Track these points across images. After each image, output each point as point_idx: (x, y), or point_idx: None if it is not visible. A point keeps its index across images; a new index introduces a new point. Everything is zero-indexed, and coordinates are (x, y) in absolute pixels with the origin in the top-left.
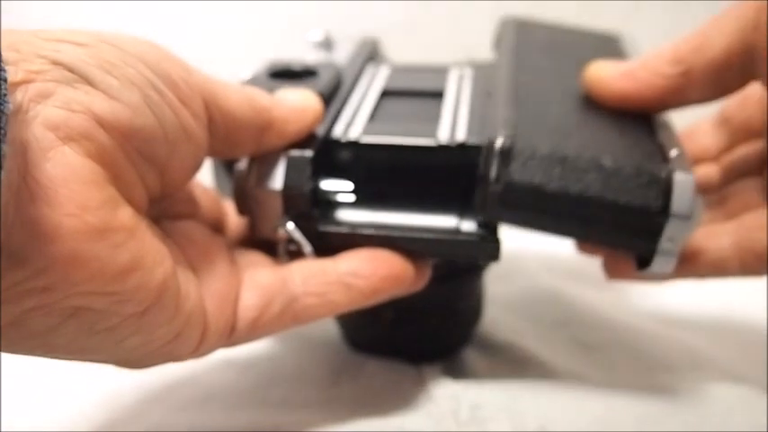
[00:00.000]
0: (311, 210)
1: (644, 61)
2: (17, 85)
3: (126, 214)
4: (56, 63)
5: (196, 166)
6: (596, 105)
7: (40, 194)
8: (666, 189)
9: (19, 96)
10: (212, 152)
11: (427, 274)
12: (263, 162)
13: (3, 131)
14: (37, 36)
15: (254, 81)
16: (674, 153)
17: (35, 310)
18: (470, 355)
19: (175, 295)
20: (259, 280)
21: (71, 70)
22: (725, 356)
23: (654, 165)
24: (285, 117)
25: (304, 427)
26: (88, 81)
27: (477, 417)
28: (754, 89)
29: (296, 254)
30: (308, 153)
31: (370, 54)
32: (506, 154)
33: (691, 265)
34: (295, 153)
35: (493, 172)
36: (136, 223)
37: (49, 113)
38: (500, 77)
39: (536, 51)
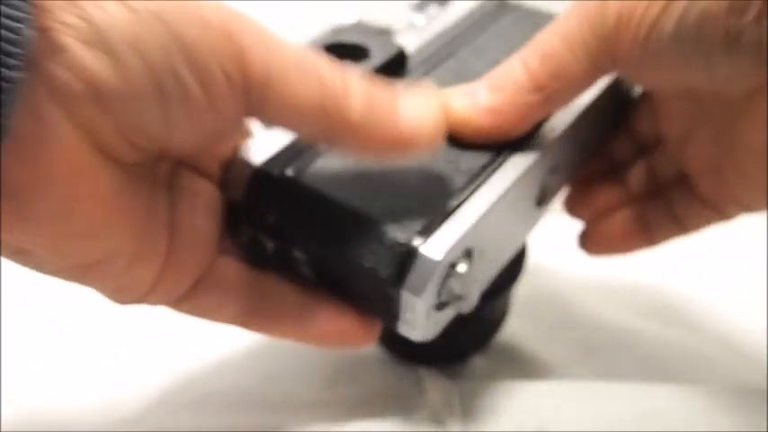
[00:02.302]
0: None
1: (503, 91)
2: (40, 30)
3: (101, 184)
4: (90, 22)
5: (217, 142)
6: None
7: (17, 149)
8: (404, 263)
9: (30, 33)
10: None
11: (375, 335)
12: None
13: (22, 57)
14: None
15: None
16: (462, 225)
17: None
18: (470, 356)
19: (128, 261)
20: (226, 277)
21: (99, 33)
22: (725, 356)
23: (408, 233)
24: (371, 139)
25: (303, 428)
26: (108, 51)
27: (477, 417)
28: None
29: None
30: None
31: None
32: (260, 178)
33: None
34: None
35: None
36: (111, 190)
37: (52, 70)
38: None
39: (476, 47)
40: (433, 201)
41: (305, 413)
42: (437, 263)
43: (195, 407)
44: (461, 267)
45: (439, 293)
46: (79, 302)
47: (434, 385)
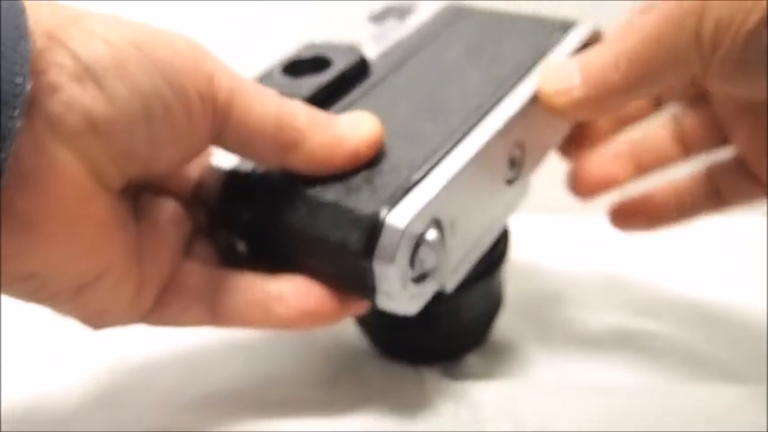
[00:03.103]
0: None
1: (595, 87)
2: (36, 73)
3: (97, 206)
4: (76, 58)
5: (189, 161)
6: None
7: (23, 181)
8: (371, 232)
9: (30, 86)
10: (226, 150)
11: (347, 310)
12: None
13: (20, 106)
14: (80, 24)
15: (263, 79)
16: (425, 195)
17: None
18: (470, 356)
19: (117, 279)
20: (188, 281)
21: (87, 69)
22: (725, 356)
23: (374, 205)
24: (318, 144)
25: (303, 428)
26: (97, 83)
27: (477, 417)
28: None
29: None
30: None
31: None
32: (231, 178)
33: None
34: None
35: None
36: (105, 213)
37: (50, 107)
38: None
39: (445, 51)
40: (398, 176)
41: (305, 413)
42: (403, 230)
43: (195, 407)
44: (430, 235)
45: (412, 263)
46: None
47: (434, 385)
